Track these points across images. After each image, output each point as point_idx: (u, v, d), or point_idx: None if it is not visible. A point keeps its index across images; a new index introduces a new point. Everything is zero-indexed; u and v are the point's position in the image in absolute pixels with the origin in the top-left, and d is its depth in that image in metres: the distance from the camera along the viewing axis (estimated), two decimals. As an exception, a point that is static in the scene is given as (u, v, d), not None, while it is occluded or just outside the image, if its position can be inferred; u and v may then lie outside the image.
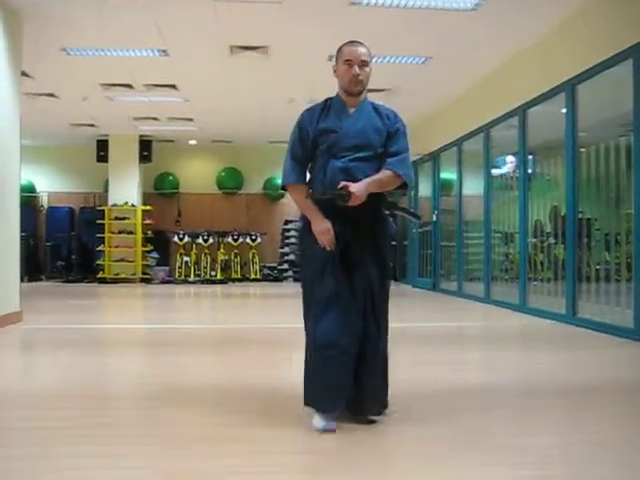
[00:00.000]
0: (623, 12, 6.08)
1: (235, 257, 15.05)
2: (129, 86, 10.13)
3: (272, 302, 10.71)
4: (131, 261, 14.21)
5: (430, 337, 6.21)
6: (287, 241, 15.11)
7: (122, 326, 7.12)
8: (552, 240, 8.20)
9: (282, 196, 15.01)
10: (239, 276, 14.99)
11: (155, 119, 12.70)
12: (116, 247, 14.19)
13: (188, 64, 9.02)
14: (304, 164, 3.26)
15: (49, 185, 15.66)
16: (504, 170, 9.89)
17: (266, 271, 15.34)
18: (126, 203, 14.26)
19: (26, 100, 9.17)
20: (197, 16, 7.16)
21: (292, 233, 14.50)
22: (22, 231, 7.38)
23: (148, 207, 14.72)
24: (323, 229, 3.10)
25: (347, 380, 3.03)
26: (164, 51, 8.40)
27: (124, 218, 14.23)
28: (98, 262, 14.35)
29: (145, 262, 14.59)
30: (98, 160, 14.43)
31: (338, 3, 6.78)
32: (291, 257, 14.91)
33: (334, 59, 3.30)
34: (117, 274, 14.13)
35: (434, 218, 12.02)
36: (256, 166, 15.68)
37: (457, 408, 3.41)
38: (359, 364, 3.06)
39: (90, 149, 14.45)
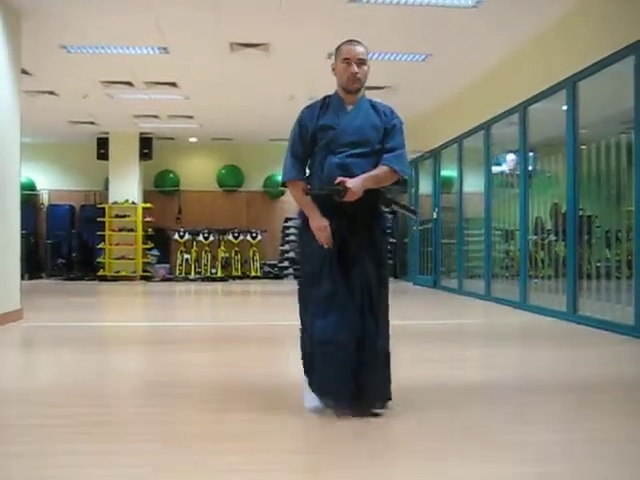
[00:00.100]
0: (623, 9, 6.06)
1: (235, 255, 15.05)
2: (129, 84, 10.13)
3: (272, 299, 10.71)
4: (131, 259, 14.20)
5: (431, 334, 6.20)
6: (287, 239, 15.10)
7: (122, 324, 7.12)
8: (553, 237, 8.19)
9: (282, 194, 15.01)
10: (239, 274, 15.00)
11: (155, 117, 12.70)
12: (116, 245, 14.19)
13: (188, 61, 9.01)
14: (304, 161, 3.32)
15: (49, 183, 15.66)
16: (504, 168, 9.87)
17: (266, 269, 15.34)
18: (126, 201, 14.27)
19: (26, 98, 9.15)
20: (197, 13, 7.15)
21: (292, 231, 14.49)
22: (22, 229, 7.39)
23: (148, 205, 14.72)
24: (320, 226, 3.16)
25: (346, 376, 3.05)
26: (164, 48, 8.39)
27: (124, 216, 14.23)
28: (98, 260, 14.36)
29: (145, 260, 14.59)
30: (98, 158, 14.43)
31: (338, 0, 6.77)
32: (291, 254, 14.91)
33: (333, 57, 3.34)
34: (117, 272, 14.13)
35: (435, 215, 12.01)
36: (256, 164, 15.67)
37: (458, 405, 3.40)
38: (359, 361, 3.08)
39: (90, 147, 14.45)
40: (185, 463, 2.51)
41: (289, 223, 14.86)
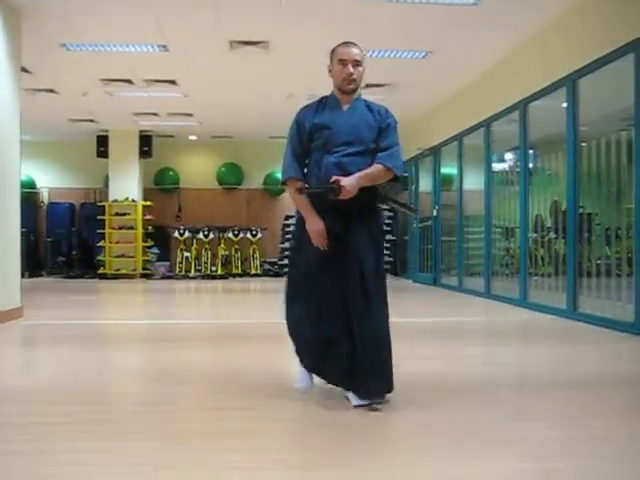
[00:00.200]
0: (623, 7, 6.05)
1: (235, 252, 15.05)
2: (129, 81, 10.12)
3: (272, 297, 10.68)
4: (131, 257, 14.21)
5: (431, 332, 6.20)
6: (287, 236, 15.07)
7: (123, 322, 7.12)
8: (553, 235, 8.19)
9: (282, 191, 14.99)
10: (239, 271, 15.00)
11: (155, 114, 12.69)
12: (116, 243, 14.19)
13: (188, 59, 9.00)
14: (302, 160, 3.41)
15: (49, 181, 15.64)
16: (504, 166, 9.87)
17: (266, 266, 15.34)
18: (126, 199, 14.26)
19: (26, 96, 9.15)
20: (197, 11, 7.14)
21: (292, 229, 14.46)
22: (22, 227, 7.39)
23: (148, 203, 14.72)
24: (317, 229, 3.27)
25: (326, 354, 3.27)
26: (164, 46, 8.38)
27: (124, 214, 14.23)
28: (99, 258, 14.36)
29: (146, 258, 14.59)
30: (98, 155, 14.42)
31: (338, -3, 6.76)
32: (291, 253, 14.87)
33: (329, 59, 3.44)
34: (118, 270, 14.13)
35: (435, 213, 12.00)
36: (256, 161, 15.67)
37: (458, 402, 3.40)
38: (350, 346, 3.20)
39: (90, 144, 14.44)
40: (185, 461, 2.51)
41: (289, 221, 14.85)
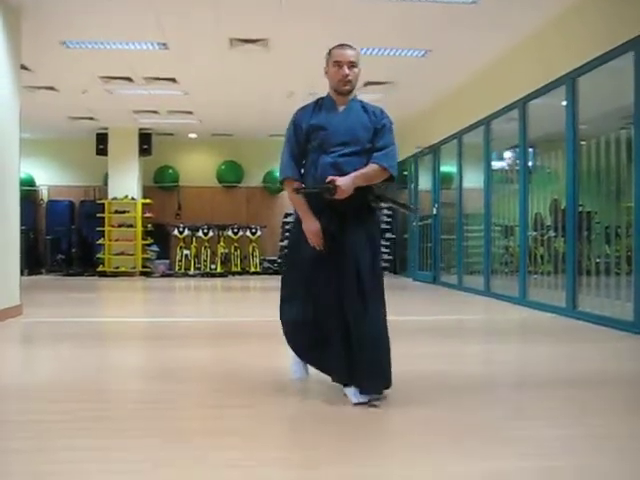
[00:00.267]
0: (623, 5, 6.04)
1: (235, 250, 15.05)
2: (129, 79, 10.11)
3: (272, 295, 10.67)
4: (131, 254, 14.21)
5: (430, 330, 6.20)
6: (287, 234, 15.09)
7: (122, 319, 7.12)
8: (552, 233, 8.19)
9: (282, 189, 14.83)
10: (239, 269, 15.00)
11: (155, 112, 12.68)
12: (116, 240, 14.19)
13: (188, 57, 8.99)
14: (299, 160, 3.45)
15: (49, 178, 15.64)
16: (504, 164, 9.86)
17: (266, 264, 15.34)
18: (126, 196, 14.26)
19: (26, 93, 9.13)
20: (197, 9, 7.13)
21: (290, 227, 14.47)
22: (22, 225, 7.38)
23: (148, 200, 14.71)
24: (313, 229, 3.31)
25: (318, 346, 3.35)
26: (164, 44, 8.37)
27: (124, 211, 14.23)
28: (98, 255, 14.37)
29: (145, 255, 14.59)
30: (98, 153, 14.41)
31: (338, -5, 6.76)
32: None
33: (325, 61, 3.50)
34: (117, 267, 14.13)
35: (434, 211, 12.00)
36: (256, 159, 15.66)
37: (457, 400, 3.41)
38: (347, 345, 3.22)
39: (90, 142, 14.43)
40: (185, 458, 2.51)
41: (289, 219, 14.86)
